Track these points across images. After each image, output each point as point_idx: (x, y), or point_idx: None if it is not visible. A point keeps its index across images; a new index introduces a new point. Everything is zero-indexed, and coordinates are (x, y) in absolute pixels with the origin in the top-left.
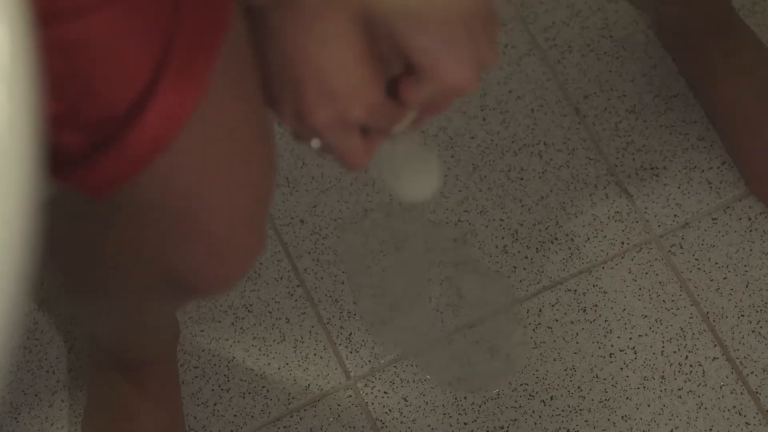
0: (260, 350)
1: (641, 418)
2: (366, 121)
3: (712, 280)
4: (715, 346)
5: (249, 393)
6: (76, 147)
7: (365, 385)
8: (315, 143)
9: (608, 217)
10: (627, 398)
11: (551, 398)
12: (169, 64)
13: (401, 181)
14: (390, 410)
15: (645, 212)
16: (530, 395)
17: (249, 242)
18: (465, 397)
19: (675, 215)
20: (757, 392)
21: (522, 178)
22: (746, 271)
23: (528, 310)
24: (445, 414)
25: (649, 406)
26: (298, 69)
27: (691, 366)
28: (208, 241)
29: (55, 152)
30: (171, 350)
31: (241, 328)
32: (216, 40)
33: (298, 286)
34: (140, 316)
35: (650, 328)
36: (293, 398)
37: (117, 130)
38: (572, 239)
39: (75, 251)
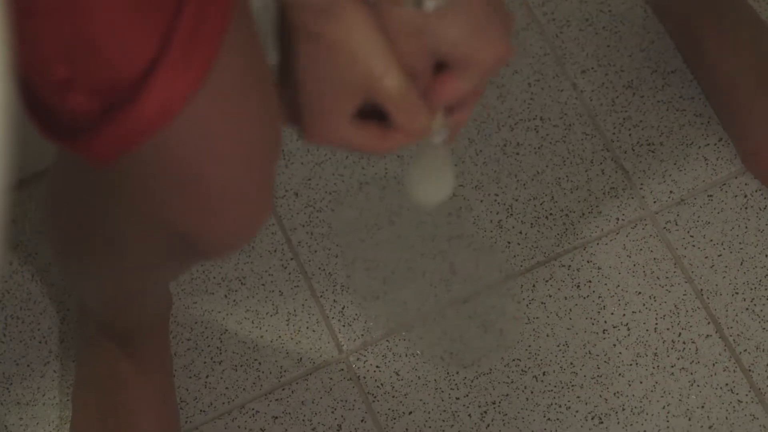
0: (253, 323)
1: (633, 395)
2: (389, 107)
3: (706, 257)
4: (709, 323)
5: (241, 365)
6: (83, 113)
7: (357, 358)
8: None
9: (604, 193)
10: (619, 375)
11: (543, 374)
12: (177, 37)
13: (422, 186)
14: (382, 384)
15: (641, 188)
16: (523, 371)
17: (256, 205)
18: (457, 372)
19: (671, 191)
20: (750, 370)
21: (518, 153)
22: (741, 249)
23: (522, 286)
24: (437, 389)
25: (641, 382)
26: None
27: (684, 343)
28: (215, 205)
29: (62, 118)
30: (163, 321)
31: (234, 301)
32: (224, 18)
33: (291, 259)
34: (140, 283)
35: (644, 305)
36: (285, 371)
37: (124, 97)
38: (567, 215)
39: (79, 214)
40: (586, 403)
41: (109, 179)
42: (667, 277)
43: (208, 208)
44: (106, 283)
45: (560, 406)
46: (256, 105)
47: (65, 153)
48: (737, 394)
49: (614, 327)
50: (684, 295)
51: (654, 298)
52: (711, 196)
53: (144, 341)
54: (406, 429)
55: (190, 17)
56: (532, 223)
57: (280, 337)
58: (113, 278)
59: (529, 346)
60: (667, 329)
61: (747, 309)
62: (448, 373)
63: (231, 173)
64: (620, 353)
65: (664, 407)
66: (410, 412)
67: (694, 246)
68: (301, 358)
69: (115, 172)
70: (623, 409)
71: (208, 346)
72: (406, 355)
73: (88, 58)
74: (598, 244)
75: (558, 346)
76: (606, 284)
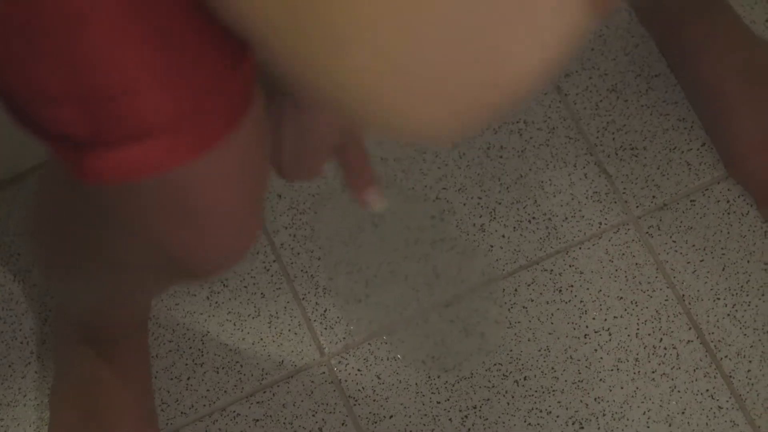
0: (235, 325)
1: (614, 400)
2: None
3: (688, 263)
4: (690, 329)
5: (223, 368)
6: (83, 135)
7: (339, 362)
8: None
9: (587, 197)
10: (600, 380)
11: (525, 378)
12: (202, 109)
13: None
14: (363, 388)
15: (623, 192)
16: (504, 375)
17: (245, 235)
18: (438, 376)
19: (653, 196)
20: (730, 376)
21: (501, 156)
22: (723, 254)
23: (504, 290)
24: (418, 393)
25: (622, 388)
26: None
27: (665, 348)
28: (209, 234)
29: (58, 130)
30: (142, 324)
31: (216, 303)
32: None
33: (274, 261)
34: (126, 295)
35: (625, 310)
36: (267, 374)
37: (134, 132)
38: (550, 219)
39: (69, 224)
40: (567, 408)
41: (103, 196)
42: (648, 282)
43: (202, 236)
44: (91, 293)
45: (541, 411)
46: (258, 148)
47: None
48: (718, 400)
49: (596, 332)
50: (666, 300)
51: (636, 303)
52: (693, 201)
53: (123, 345)
54: None
55: (224, 93)
56: (514, 227)
57: (261, 339)
58: (98, 289)
59: (511, 350)
60: (649, 334)
61: (728, 315)
62: (429, 377)
63: (228, 207)
64: (601, 358)
65: (644, 413)
66: (391, 416)
67: (676, 251)
68: (282, 361)
69: (109, 191)
70: (604, 415)
71: (190, 348)
72: (388, 359)
73: (103, 103)
74: (580, 248)
75: (539, 350)
76: (588, 289)
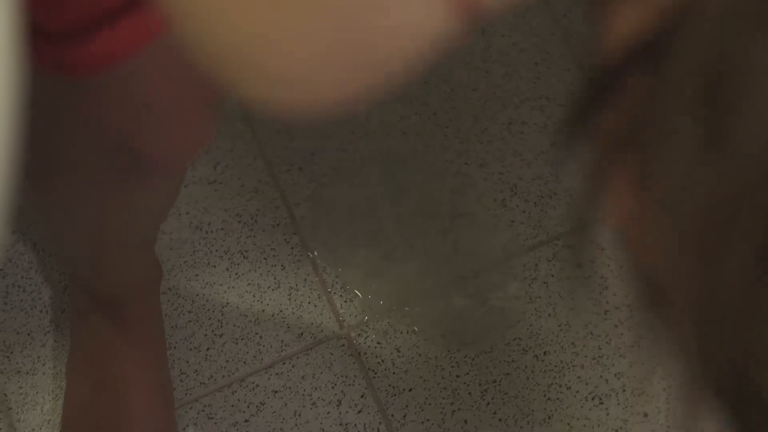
0: (254, 296)
1: (635, 376)
2: None
3: None
4: None
5: (242, 339)
6: (67, 27)
7: (358, 334)
8: None
9: None
10: (621, 356)
11: (544, 353)
12: None
13: None
14: (383, 360)
15: None
16: (524, 350)
17: (199, 120)
18: (458, 350)
19: None
20: None
21: (523, 132)
22: None
23: (524, 265)
24: (437, 366)
25: (643, 364)
26: None
27: None
28: (156, 113)
29: (37, 30)
30: (152, 292)
31: (236, 274)
32: None
33: (294, 233)
34: (106, 220)
35: None
36: (286, 345)
37: (107, 18)
38: (571, 195)
39: (38, 137)
40: (587, 384)
41: (68, 98)
42: None
43: (152, 120)
44: (74, 227)
45: (560, 386)
46: None
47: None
48: None
49: (616, 308)
50: None
51: None
52: None
53: (133, 312)
54: (406, 405)
55: None
56: (535, 203)
57: (281, 311)
58: (78, 213)
59: (531, 325)
60: None
61: None
62: (449, 350)
63: (175, 88)
64: (622, 334)
65: (664, 389)
66: (410, 389)
67: None
68: (302, 333)
69: (74, 92)
70: (624, 390)
71: (209, 318)
72: (407, 332)
73: None
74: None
75: (559, 326)
76: (609, 265)
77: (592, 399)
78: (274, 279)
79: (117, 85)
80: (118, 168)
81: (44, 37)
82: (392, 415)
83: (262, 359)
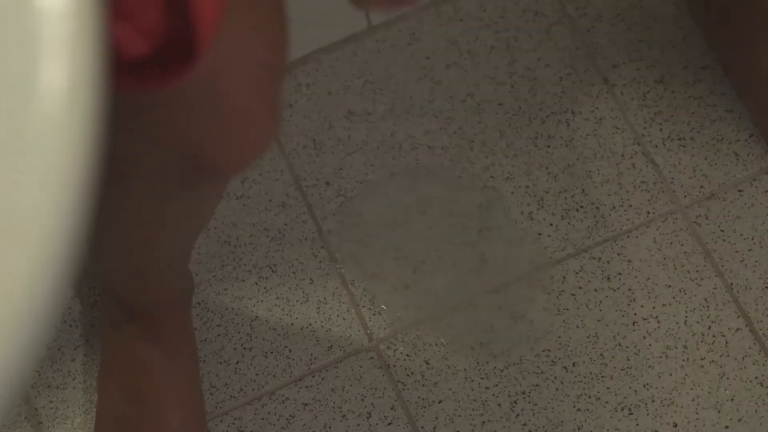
0: (283, 310)
1: (663, 387)
2: None
3: (736, 252)
4: (739, 317)
5: (271, 352)
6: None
7: (387, 347)
8: None
9: (634, 187)
10: (649, 366)
11: (573, 365)
12: None
13: None
14: (412, 373)
15: (671, 182)
16: (552, 361)
17: (265, 119)
18: (487, 362)
19: (701, 186)
20: None
21: (549, 146)
22: None
23: (552, 277)
24: (467, 378)
25: (671, 375)
26: None
27: (713, 336)
28: (226, 119)
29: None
30: (186, 305)
31: (265, 288)
32: None
33: (322, 247)
34: (159, 231)
35: (674, 298)
36: (315, 359)
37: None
38: (598, 207)
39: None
40: (616, 395)
41: (136, 112)
42: (697, 271)
43: (220, 123)
44: (122, 239)
45: (590, 397)
46: (265, 22)
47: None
48: (767, 387)
49: (644, 319)
50: (714, 288)
51: (684, 291)
52: (741, 191)
53: (167, 324)
54: (436, 417)
55: None
56: (562, 216)
57: (310, 324)
58: (129, 226)
59: (559, 337)
60: (697, 322)
61: None
62: (478, 362)
63: (244, 96)
64: (650, 345)
65: (693, 399)
66: (440, 401)
67: (724, 240)
68: (331, 346)
69: (142, 105)
70: (653, 401)
71: (239, 332)
72: (436, 345)
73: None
74: (628, 237)
75: (588, 337)
76: (636, 277)
77: (622, 410)
78: (303, 293)
79: (186, 91)
80: (181, 177)
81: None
82: (422, 427)
83: (291, 372)
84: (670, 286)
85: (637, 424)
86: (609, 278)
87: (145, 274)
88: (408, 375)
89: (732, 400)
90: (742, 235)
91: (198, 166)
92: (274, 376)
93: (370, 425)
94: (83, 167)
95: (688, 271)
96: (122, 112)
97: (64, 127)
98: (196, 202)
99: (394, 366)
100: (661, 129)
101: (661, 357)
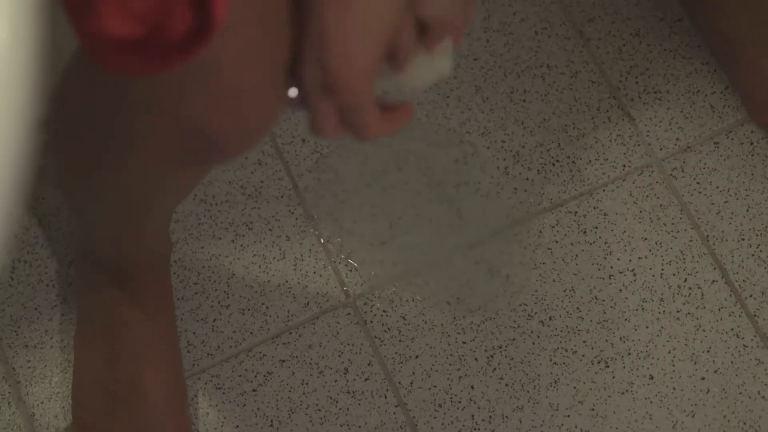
0: (260, 267)
1: (639, 339)
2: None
3: (712, 204)
4: (715, 269)
5: (248, 310)
6: (137, 34)
7: (364, 303)
8: (292, 92)
9: (610, 140)
10: (625, 319)
11: (550, 318)
12: None
13: (419, 68)
14: (389, 329)
15: (647, 135)
16: (529, 315)
17: (270, 103)
18: (464, 317)
19: (677, 139)
20: (755, 315)
21: (524, 100)
22: (747, 195)
23: (528, 231)
24: (443, 333)
25: (647, 327)
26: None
27: (690, 288)
28: (234, 102)
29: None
30: (164, 264)
31: (242, 246)
32: None
33: (298, 204)
34: (145, 205)
35: (650, 251)
36: (292, 315)
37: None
38: (573, 162)
39: (91, 115)
40: (592, 348)
41: (131, 79)
42: (673, 224)
43: (228, 105)
44: (110, 202)
45: (566, 351)
46: (276, 8)
47: (80, 56)
48: (743, 338)
49: (620, 272)
50: (690, 241)
51: (660, 244)
52: (717, 143)
53: (145, 284)
54: (413, 373)
55: None
56: (538, 170)
57: (287, 281)
58: (118, 193)
59: (536, 291)
60: (673, 275)
61: (753, 255)
62: (454, 317)
63: (250, 72)
64: (626, 298)
65: (669, 351)
66: (417, 356)
67: (700, 193)
68: (308, 303)
69: (153, 85)
70: (629, 354)
71: (216, 290)
72: (413, 300)
73: None
74: (604, 190)
75: (564, 291)
76: (612, 230)
77: (598, 363)
78: (279, 250)
79: (196, 71)
80: (185, 156)
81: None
82: (399, 383)
83: (268, 329)
84: (646, 239)
85: (614, 377)
86: (585, 232)
87: (128, 236)
88: (385, 331)
89: (708, 351)
90: (717, 187)
91: (202, 145)
92: (251, 333)
93: (348, 381)
94: (25, 121)
95: (664, 224)
96: (124, 86)
97: (6, 80)
98: (194, 176)
99: (371, 322)
100: (636, 82)
101: (637, 310)
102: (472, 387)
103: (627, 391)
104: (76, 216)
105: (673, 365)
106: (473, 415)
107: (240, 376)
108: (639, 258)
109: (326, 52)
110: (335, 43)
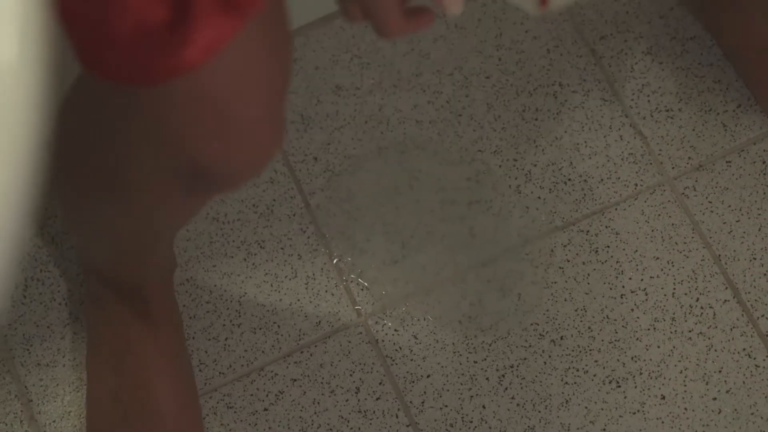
0: (272, 286)
1: (651, 359)
2: None
3: (724, 223)
4: (726, 288)
5: (260, 328)
6: (130, 37)
7: (376, 322)
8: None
9: (622, 159)
10: (637, 339)
11: (561, 338)
12: None
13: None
14: (400, 348)
15: (659, 154)
16: (540, 335)
17: (269, 134)
18: (475, 336)
19: (689, 157)
20: (767, 335)
21: (536, 119)
22: (759, 215)
23: (540, 251)
24: (455, 352)
25: (659, 347)
26: None
27: (701, 308)
28: (234, 137)
29: (102, 43)
30: (168, 281)
31: (253, 264)
32: None
33: (310, 222)
34: (147, 228)
35: (662, 270)
36: (304, 334)
37: (169, 31)
38: (585, 180)
39: (93, 144)
40: (604, 367)
41: (132, 109)
42: (685, 243)
43: (227, 139)
44: (113, 229)
45: (578, 370)
46: (276, 43)
47: (82, 84)
48: (755, 358)
49: (632, 292)
50: (702, 260)
51: (672, 263)
52: (729, 162)
53: (151, 300)
54: (424, 392)
55: None
56: (550, 189)
57: (298, 300)
58: (121, 221)
59: (547, 310)
60: (685, 294)
61: (765, 274)
62: (466, 336)
63: (250, 108)
64: (638, 318)
65: (681, 371)
66: (428, 375)
67: (712, 212)
68: (319, 322)
69: (140, 101)
70: (641, 374)
71: (228, 309)
72: (425, 319)
73: None
74: (616, 209)
75: (576, 310)
76: (624, 249)
77: (610, 383)
78: (291, 268)
79: (182, 91)
80: (186, 187)
81: (123, 45)
82: (410, 402)
83: (280, 348)
84: (658, 258)
85: (625, 397)
86: (597, 251)
87: (132, 256)
88: (396, 350)
89: (720, 371)
90: (729, 206)
91: (197, 177)
92: (263, 352)
93: (359, 400)
94: (32, 141)
95: (676, 243)
96: (124, 117)
97: (13, 101)
98: (198, 204)
99: (383, 341)
100: (648, 100)
101: (649, 329)
102: (484, 407)
103: (638, 411)
104: (77, 240)
105: (685, 385)
106: None
107: (251, 395)
108: (651, 277)
109: None
110: None
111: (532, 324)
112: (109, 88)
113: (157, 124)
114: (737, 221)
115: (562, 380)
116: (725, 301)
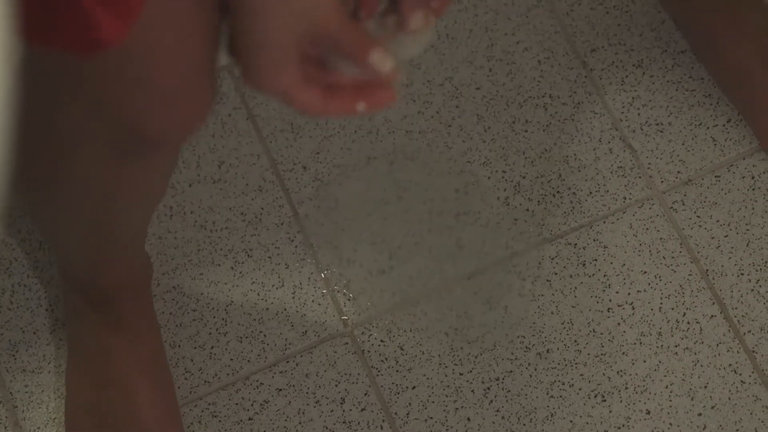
0: (259, 295)
1: (637, 374)
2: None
3: (713, 238)
4: (714, 303)
5: (246, 337)
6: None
7: (362, 332)
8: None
9: (611, 172)
10: (623, 353)
11: (547, 351)
12: None
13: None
14: (386, 359)
15: (648, 168)
16: (527, 347)
17: (199, 91)
18: (461, 348)
19: (678, 171)
20: (753, 351)
21: (526, 131)
22: (747, 230)
23: (527, 263)
24: (441, 364)
25: (645, 361)
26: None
27: (688, 323)
28: (160, 91)
29: (42, 12)
30: (144, 289)
31: (240, 273)
32: None
33: (298, 232)
34: (104, 210)
35: (649, 284)
36: (290, 344)
37: None
38: (574, 193)
39: (32, 123)
40: (590, 381)
41: (68, 80)
42: (672, 257)
43: (156, 98)
44: (70, 223)
45: (563, 384)
46: (196, 5)
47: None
48: (740, 374)
49: (619, 306)
50: (689, 275)
51: (659, 277)
52: (718, 176)
53: (127, 309)
54: (410, 403)
55: None
56: (539, 201)
57: (285, 309)
58: (73, 210)
59: (534, 323)
60: (672, 309)
61: (752, 290)
62: (452, 348)
63: (179, 67)
64: (624, 332)
65: (667, 386)
66: (414, 387)
67: (700, 226)
68: (306, 331)
69: (75, 72)
70: (626, 388)
71: (214, 317)
72: (411, 330)
73: None
74: (604, 222)
75: (562, 323)
76: (611, 263)
77: (595, 396)
78: (278, 277)
79: (117, 58)
80: (119, 149)
81: (61, 10)
82: (395, 413)
83: (266, 358)
84: (645, 272)
85: (610, 411)
86: (584, 264)
87: (101, 257)
88: (382, 361)
89: (705, 387)
90: (718, 221)
91: (134, 136)
92: (248, 361)
93: (344, 411)
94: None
95: (664, 258)
96: (59, 85)
97: None
98: (142, 176)
99: (369, 352)
100: (638, 114)
101: (635, 344)
102: (468, 419)
103: (623, 426)
104: (48, 241)
105: (670, 400)
106: None
107: (236, 404)
108: (638, 291)
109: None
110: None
111: (518, 336)
112: (45, 59)
113: (92, 89)
114: (725, 236)
115: (547, 393)
116: (712, 316)
